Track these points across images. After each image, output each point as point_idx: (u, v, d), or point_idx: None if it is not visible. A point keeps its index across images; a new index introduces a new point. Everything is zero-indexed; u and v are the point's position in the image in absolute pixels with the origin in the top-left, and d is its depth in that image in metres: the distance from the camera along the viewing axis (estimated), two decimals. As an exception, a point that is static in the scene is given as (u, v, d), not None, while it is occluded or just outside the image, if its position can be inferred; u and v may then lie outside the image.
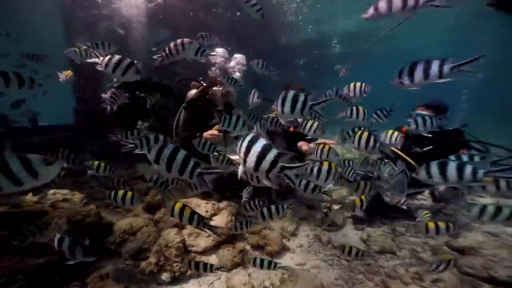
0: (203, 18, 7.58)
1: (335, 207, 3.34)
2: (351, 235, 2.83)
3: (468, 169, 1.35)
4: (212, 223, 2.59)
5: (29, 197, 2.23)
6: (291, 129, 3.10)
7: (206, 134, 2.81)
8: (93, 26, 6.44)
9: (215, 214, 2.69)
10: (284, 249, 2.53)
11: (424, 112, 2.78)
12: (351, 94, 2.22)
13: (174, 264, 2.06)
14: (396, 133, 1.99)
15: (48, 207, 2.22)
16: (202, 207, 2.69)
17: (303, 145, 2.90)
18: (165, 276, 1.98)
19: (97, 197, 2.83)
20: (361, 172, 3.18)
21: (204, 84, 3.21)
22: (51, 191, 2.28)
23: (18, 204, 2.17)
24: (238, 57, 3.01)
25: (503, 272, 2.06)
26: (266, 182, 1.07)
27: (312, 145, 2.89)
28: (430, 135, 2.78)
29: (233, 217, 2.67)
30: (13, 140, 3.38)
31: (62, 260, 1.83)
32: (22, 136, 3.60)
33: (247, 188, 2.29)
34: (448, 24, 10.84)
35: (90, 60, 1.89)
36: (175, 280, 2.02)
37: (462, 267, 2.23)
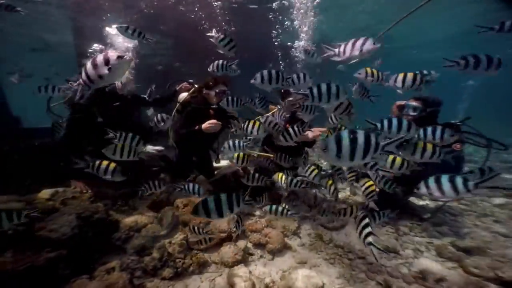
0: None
1: (338, 206, 3.32)
2: (353, 234, 2.81)
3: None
4: (212, 222, 2.66)
5: (41, 194, 2.36)
6: (287, 125, 3.16)
7: (205, 124, 2.88)
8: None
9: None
10: (285, 247, 2.54)
11: (413, 104, 2.81)
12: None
13: (177, 260, 2.12)
14: None
15: (59, 204, 2.34)
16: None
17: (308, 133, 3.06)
18: (167, 272, 2.04)
19: (103, 196, 2.93)
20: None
21: (196, 86, 3.28)
22: (61, 189, 2.39)
23: (32, 201, 2.31)
24: None
25: (511, 273, 2.01)
26: None
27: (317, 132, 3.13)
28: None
29: (234, 216, 2.71)
30: (23, 142, 3.53)
31: (72, 254, 1.93)
32: (33, 138, 3.73)
33: None
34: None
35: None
36: (177, 275, 2.07)
37: (468, 267, 2.18)
